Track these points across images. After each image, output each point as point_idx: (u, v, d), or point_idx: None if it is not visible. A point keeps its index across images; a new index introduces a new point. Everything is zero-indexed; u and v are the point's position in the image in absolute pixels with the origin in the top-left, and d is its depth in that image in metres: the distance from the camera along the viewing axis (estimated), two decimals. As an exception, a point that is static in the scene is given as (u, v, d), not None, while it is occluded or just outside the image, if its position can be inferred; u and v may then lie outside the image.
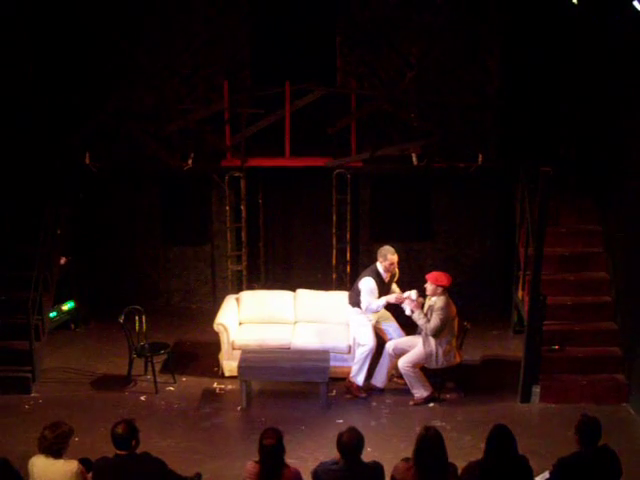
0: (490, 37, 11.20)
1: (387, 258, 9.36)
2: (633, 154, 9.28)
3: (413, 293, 9.14)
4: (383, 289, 9.43)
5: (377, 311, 9.41)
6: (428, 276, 9.15)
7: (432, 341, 9.03)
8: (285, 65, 11.21)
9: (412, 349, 9.19)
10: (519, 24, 11.00)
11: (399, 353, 9.29)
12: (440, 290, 9.07)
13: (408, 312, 9.16)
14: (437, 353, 9.05)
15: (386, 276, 9.44)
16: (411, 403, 9.19)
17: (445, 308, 9.00)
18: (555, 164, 9.44)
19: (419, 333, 9.30)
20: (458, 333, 9.41)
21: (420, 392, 9.17)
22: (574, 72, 10.90)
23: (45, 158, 10.81)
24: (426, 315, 9.04)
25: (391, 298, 9.37)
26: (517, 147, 10.91)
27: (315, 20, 11.35)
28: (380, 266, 9.42)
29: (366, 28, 11.28)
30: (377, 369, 9.47)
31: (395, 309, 9.66)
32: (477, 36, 11.21)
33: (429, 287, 9.12)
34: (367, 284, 9.35)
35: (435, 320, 8.96)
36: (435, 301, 9.06)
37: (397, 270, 9.68)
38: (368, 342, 9.31)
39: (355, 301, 9.48)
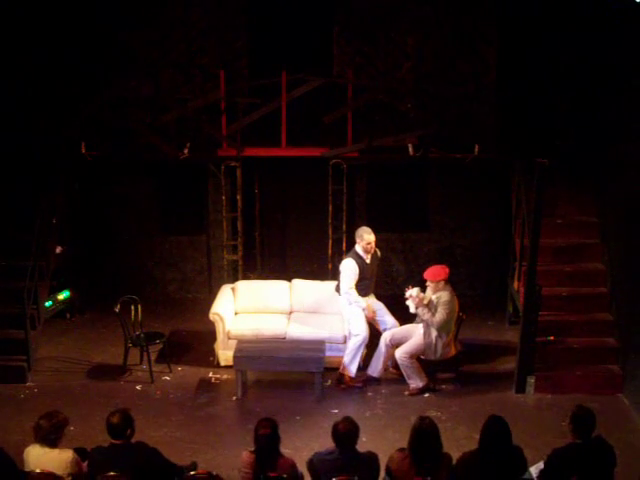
0: (487, 27, 11.19)
1: (363, 238, 9.39)
2: (631, 146, 9.27)
3: (414, 291, 9.13)
4: (365, 269, 9.45)
5: (352, 303, 9.39)
6: (425, 275, 9.14)
7: (433, 332, 9.03)
8: (282, 55, 11.18)
9: (409, 339, 9.20)
10: (516, 15, 10.97)
11: (396, 344, 9.29)
12: (442, 284, 9.07)
13: (412, 310, 9.16)
14: (436, 344, 9.06)
15: (366, 257, 9.46)
16: (406, 393, 9.20)
17: (450, 302, 9.01)
18: (552, 155, 9.44)
19: (418, 322, 9.30)
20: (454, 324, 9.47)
21: (416, 382, 9.18)
22: (572, 63, 10.89)
23: (41, 147, 10.77)
24: (430, 309, 9.03)
25: (369, 312, 9.42)
26: (513, 138, 10.89)
27: (312, 10, 11.31)
28: (359, 247, 9.46)
29: (363, 18, 11.27)
30: (373, 359, 9.47)
31: (393, 305, 9.71)
32: (474, 26, 11.19)
33: (431, 285, 9.12)
34: (346, 265, 9.39)
35: (441, 314, 8.95)
36: (440, 295, 9.05)
37: (378, 251, 9.67)
38: (361, 332, 9.31)
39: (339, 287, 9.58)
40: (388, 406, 8.99)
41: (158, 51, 11.36)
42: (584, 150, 10.68)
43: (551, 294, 9.56)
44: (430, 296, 9.16)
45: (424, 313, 9.03)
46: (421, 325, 9.16)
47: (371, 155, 11.15)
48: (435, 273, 9.08)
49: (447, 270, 9.11)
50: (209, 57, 11.38)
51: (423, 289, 9.24)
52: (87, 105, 10.82)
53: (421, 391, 9.19)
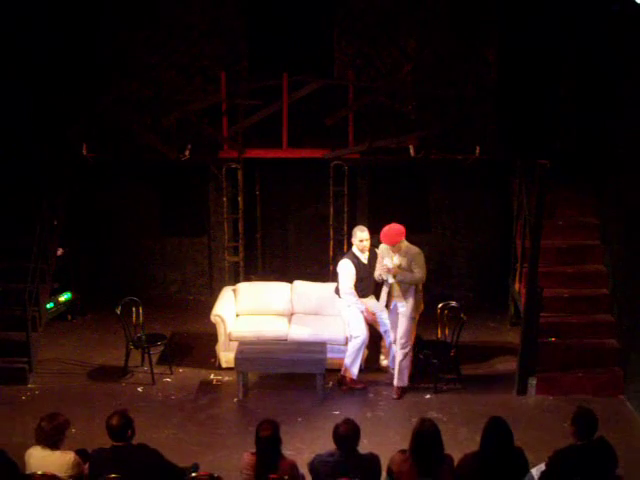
0: (488, 29, 11.18)
1: (356, 236, 9.41)
2: (632, 147, 9.26)
3: (388, 261, 8.99)
4: (362, 269, 9.43)
5: (351, 305, 9.36)
6: (385, 242, 8.91)
7: (411, 291, 8.95)
8: (283, 57, 11.19)
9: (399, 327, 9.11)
10: (518, 16, 10.97)
11: None
12: (404, 243, 8.95)
13: (391, 280, 9.01)
14: (422, 296, 9.04)
15: (362, 256, 9.45)
16: (395, 397, 9.13)
17: (420, 252, 8.96)
18: (553, 157, 9.43)
19: (386, 306, 9.22)
20: (455, 326, 9.44)
21: (402, 381, 9.12)
22: (573, 64, 10.90)
23: (42, 149, 10.78)
24: (405, 269, 8.92)
25: (369, 314, 9.41)
26: (515, 139, 10.89)
27: (313, 11, 11.32)
28: (355, 247, 9.46)
29: (364, 20, 11.27)
30: (397, 373, 9.27)
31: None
32: (475, 28, 11.19)
33: (393, 249, 8.94)
34: (342, 266, 9.39)
35: (420, 268, 8.88)
36: (406, 252, 8.93)
37: (377, 250, 9.63)
38: (360, 334, 9.29)
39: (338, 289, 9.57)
40: (389, 408, 8.99)
41: (159, 53, 11.36)
42: (585, 151, 10.69)
43: (552, 295, 9.56)
44: (397, 260, 8.98)
45: (406, 275, 8.92)
46: (395, 307, 9.08)
47: (372, 157, 11.15)
48: (394, 235, 8.87)
49: (403, 228, 8.93)
50: (210, 59, 11.38)
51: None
52: (88, 107, 10.83)
53: (402, 391, 9.15)
